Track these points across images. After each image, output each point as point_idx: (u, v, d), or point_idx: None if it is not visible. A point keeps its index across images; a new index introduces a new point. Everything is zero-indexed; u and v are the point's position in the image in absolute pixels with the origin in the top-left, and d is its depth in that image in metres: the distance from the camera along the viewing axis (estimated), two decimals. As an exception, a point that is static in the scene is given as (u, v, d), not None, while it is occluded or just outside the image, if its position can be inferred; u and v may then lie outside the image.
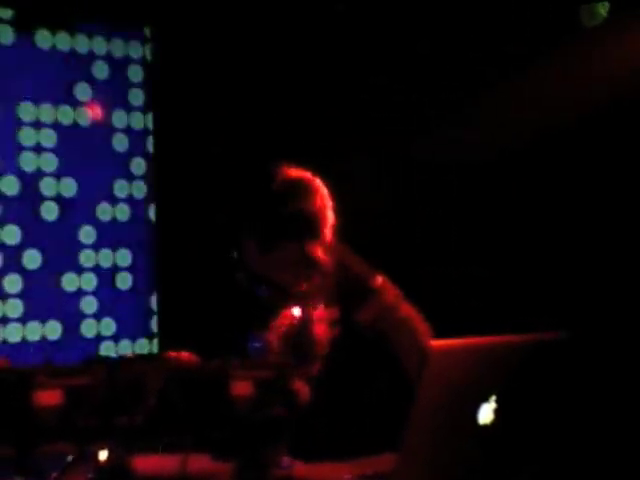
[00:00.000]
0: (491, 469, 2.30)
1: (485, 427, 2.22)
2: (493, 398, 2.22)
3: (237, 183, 3.64)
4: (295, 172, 2.98)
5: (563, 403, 2.47)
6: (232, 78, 5.55)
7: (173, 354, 2.67)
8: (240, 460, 2.46)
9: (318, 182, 2.97)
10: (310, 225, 2.91)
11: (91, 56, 5.55)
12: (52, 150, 5.42)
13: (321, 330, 3.05)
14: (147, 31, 5.71)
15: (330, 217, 2.95)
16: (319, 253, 2.91)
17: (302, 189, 2.94)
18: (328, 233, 2.95)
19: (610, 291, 4.44)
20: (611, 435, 4.01)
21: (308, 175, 2.98)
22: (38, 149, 5.37)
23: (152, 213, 5.76)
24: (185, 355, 2.67)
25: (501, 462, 2.33)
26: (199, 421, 2.49)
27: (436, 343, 2.09)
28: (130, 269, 5.69)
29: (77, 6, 5.41)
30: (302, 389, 2.65)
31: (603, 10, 4.71)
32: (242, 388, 2.46)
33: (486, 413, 2.22)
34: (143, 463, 2.44)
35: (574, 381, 2.59)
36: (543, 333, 2.36)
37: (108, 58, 5.62)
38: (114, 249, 5.63)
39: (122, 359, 3.05)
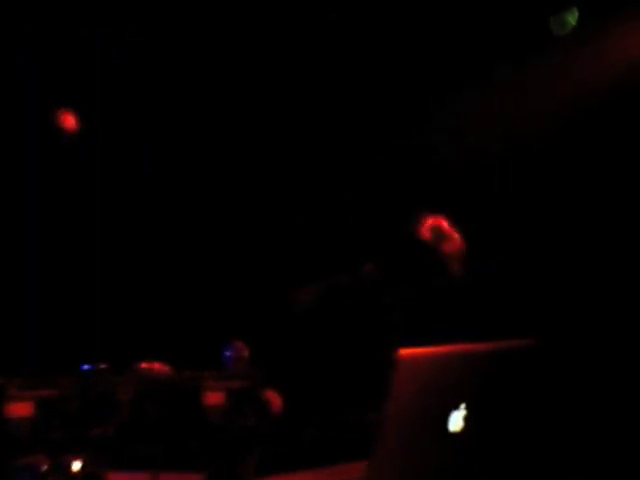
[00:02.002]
0: (461, 476, 2.32)
1: (455, 434, 2.23)
2: (463, 406, 2.23)
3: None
4: None
5: (532, 410, 2.49)
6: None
7: (145, 365, 2.67)
8: (212, 470, 2.47)
9: None
10: None
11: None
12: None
13: None
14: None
15: None
16: None
17: None
18: None
19: (578, 300, 4.47)
20: (580, 442, 4.03)
21: None
22: None
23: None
24: (158, 366, 2.67)
25: (471, 469, 2.34)
26: (172, 431, 2.49)
27: (405, 352, 2.10)
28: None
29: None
30: (274, 399, 2.67)
31: (572, 19, 4.75)
32: (215, 398, 2.47)
33: (456, 420, 2.24)
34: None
35: (543, 388, 2.61)
36: (512, 341, 2.37)
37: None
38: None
39: (94, 370, 3.05)
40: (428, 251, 3.16)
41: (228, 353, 2.91)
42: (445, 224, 3.17)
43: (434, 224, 3.10)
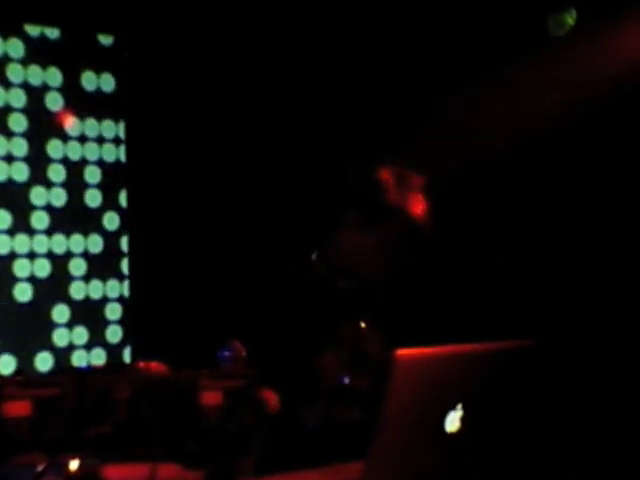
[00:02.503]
0: (458, 476, 2.32)
1: (452, 435, 2.24)
2: (460, 406, 2.24)
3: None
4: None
5: (529, 411, 2.49)
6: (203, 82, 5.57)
7: (142, 364, 2.67)
8: (209, 470, 2.47)
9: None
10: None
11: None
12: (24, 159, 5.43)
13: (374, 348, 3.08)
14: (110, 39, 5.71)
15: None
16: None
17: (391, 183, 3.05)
18: None
19: (576, 300, 4.48)
20: (578, 442, 4.04)
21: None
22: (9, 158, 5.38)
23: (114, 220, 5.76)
24: (154, 365, 2.67)
25: (468, 469, 2.34)
26: (169, 431, 2.49)
27: (402, 352, 2.10)
28: (102, 278, 5.69)
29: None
30: (271, 398, 2.67)
31: (570, 19, 4.75)
32: (212, 398, 2.47)
33: (453, 421, 2.24)
34: (113, 472, 2.45)
35: (540, 389, 2.61)
36: (509, 341, 2.38)
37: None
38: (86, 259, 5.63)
39: (91, 370, 3.05)
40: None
41: (225, 353, 2.90)
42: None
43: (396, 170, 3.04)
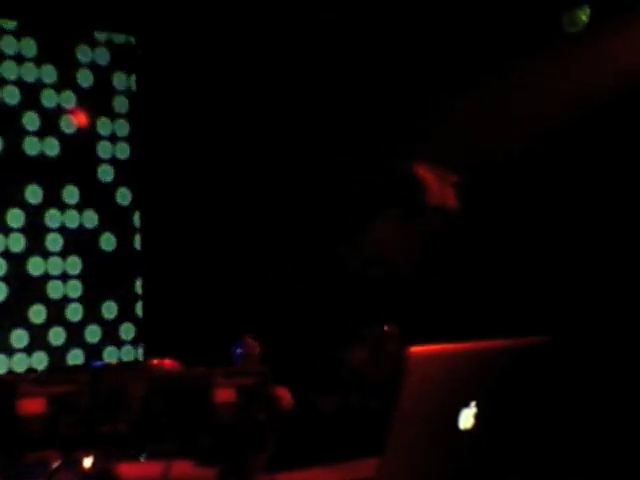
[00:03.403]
0: (472, 474, 2.32)
1: (466, 432, 2.24)
2: (473, 403, 2.24)
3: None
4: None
5: (543, 408, 2.49)
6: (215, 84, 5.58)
7: (156, 362, 2.68)
8: (223, 467, 2.47)
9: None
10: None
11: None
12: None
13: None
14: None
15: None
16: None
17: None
18: None
19: (591, 297, 4.47)
20: (592, 439, 4.04)
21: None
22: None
23: (137, 219, 5.77)
24: (168, 363, 2.68)
25: (482, 467, 2.34)
26: (182, 428, 2.50)
27: (416, 349, 2.10)
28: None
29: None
30: (284, 395, 2.67)
31: (584, 16, 4.74)
32: (225, 395, 2.48)
33: (467, 418, 2.24)
34: (127, 470, 2.46)
35: (554, 386, 2.61)
36: (523, 338, 2.38)
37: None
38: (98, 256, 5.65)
39: (105, 367, 3.06)
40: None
41: (239, 350, 2.91)
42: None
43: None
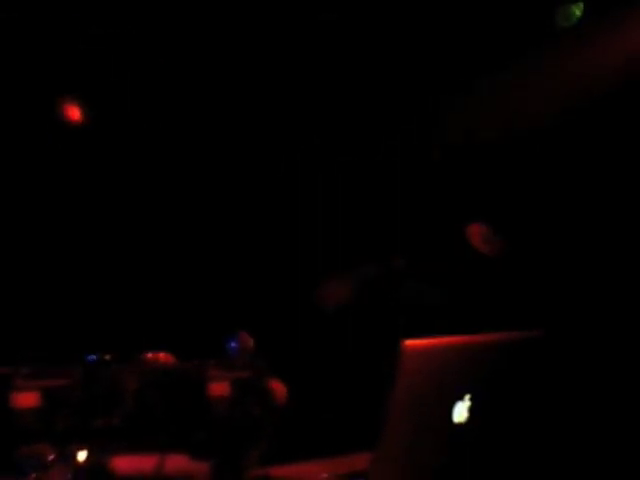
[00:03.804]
0: (466, 467, 2.33)
1: (460, 425, 2.24)
2: (467, 397, 2.24)
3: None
4: None
5: (537, 401, 2.49)
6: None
7: (151, 355, 2.68)
8: (217, 460, 2.48)
9: None
10: None
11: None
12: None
13: None
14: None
15: None
16: None
17: None
18: None
19: (584, 290, 4.47)
20: (586, 433, 4.04)
21: None
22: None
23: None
24: (162, 356, 2.68)
25: (475, 460, 2.35)
26: (177, 422, 2.50)
27: (410, 343, 2.10)
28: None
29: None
30: (278, 389, 2.67)
31: (578, 11, 4.75)
32: (219, 389, 2.48)
33: (461, 412, 2.25)
34: (121, 463, 2.46)
35: (548, 379, 2.61)
36: (517, 332, 2.38)
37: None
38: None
39: (99, 360, 3.06)
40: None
41: (233, 344, 2.91)
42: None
43: (482, 229, 3.17)
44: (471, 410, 2.25)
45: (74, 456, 2.43)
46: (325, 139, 5.24)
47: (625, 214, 4.53)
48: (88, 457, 2.42)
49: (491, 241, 3.20)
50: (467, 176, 4.86)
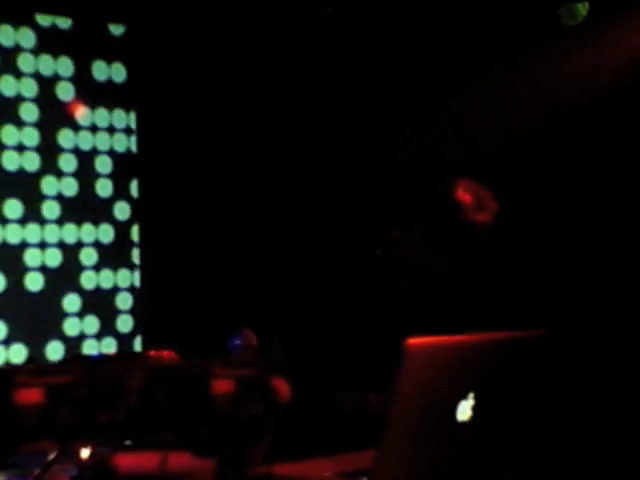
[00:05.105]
0: (469, 465, 2.32)
1: (463, 424, 2.24)
2: (471, 395, 2.24)
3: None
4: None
5: (540, 400, 2.49)
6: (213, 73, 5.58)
7: (154, 353, 2.68)
8: (221, 458, 2.47)
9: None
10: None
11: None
12: (35, 149, 5.44)
13: None
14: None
15: None
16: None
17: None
18: None
19: (587, 290, 4.47)
20: (588, 431, 4.04)
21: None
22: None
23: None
24: (166, 354, 2.68)
25: (479, 459, 2.35)
26: (180, 419, 2.50)
27: (413, 341, 2.10)
28: (113, 267, 5.70)
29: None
30: (282, 387, 2.67)
31: (583, 10, 4.74)
32: (223, 386, 2.48)
33: (464, 410, 2.24)
34: (124, 460, 2.46)
35: (551, 378, 2.61)
36: (521, 331, 2.38)
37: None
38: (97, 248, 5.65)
39: (103, 358, 3.06)
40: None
41: (237, 342, 2.91)
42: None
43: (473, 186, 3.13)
44: (475, 409, 2.25)
45: (77, 453, 2.43)
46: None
47: (625, 214, 4.53)
48: (91, 454, 2.42)
49: (484, 205, 3.17)
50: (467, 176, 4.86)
